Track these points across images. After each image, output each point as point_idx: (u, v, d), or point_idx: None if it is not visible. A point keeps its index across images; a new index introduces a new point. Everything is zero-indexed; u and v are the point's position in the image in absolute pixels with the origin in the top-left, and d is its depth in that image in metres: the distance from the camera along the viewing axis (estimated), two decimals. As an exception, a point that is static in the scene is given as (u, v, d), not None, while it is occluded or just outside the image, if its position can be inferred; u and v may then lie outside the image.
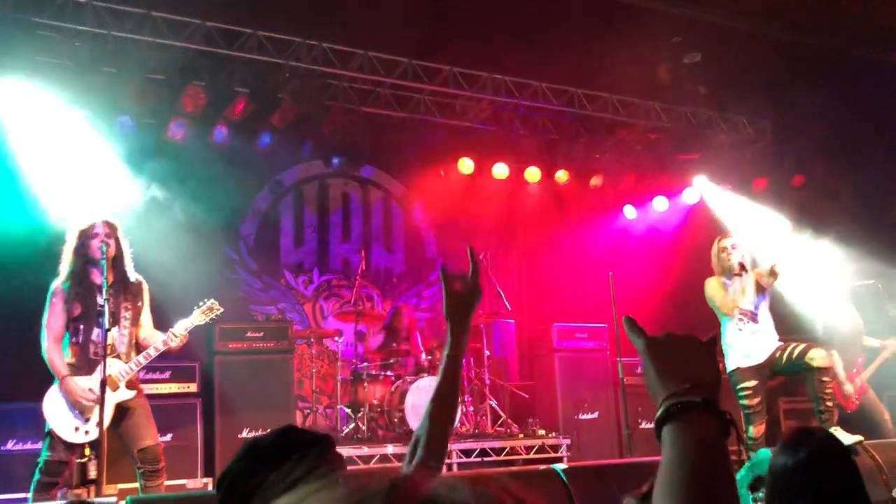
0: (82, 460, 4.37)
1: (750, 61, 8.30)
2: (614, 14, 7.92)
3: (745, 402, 5.59)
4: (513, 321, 9.28)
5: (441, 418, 1.88)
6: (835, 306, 6.93)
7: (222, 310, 4.98)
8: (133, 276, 4.87)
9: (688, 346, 1.14)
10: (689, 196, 10.07)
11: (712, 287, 5.93)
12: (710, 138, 9.77)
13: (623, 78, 8.94)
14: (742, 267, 5.75)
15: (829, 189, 9.15)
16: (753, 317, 5.69)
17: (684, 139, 9.72)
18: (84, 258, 4.67)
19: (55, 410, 4.51)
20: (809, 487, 1.82)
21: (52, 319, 4.59)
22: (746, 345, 5.70)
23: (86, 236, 4.68)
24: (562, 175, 9.60)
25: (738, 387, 5.64)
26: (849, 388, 6.69)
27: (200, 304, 4.93)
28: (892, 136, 8.65)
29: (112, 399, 4.54)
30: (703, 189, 10.01)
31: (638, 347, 1.17)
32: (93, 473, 4.49)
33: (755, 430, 5.53)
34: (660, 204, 10.21)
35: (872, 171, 8.71)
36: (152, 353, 4.70)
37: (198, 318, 4.85)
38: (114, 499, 3.50)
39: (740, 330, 5.69)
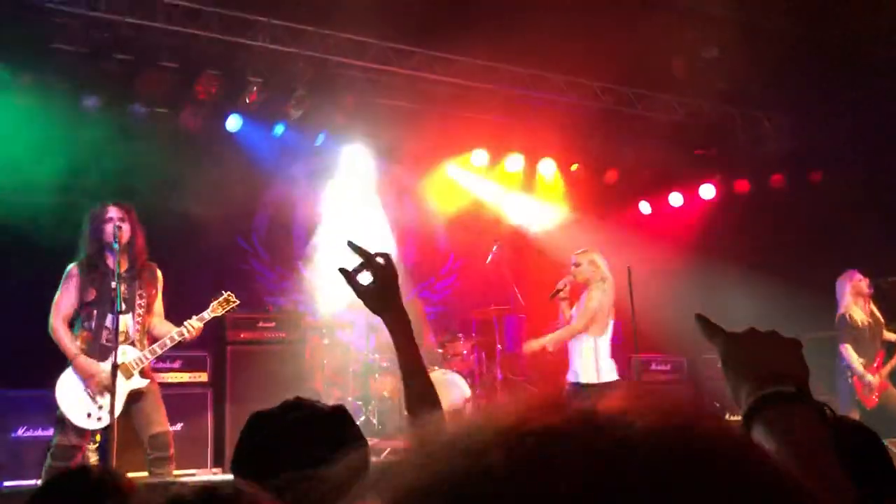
0: (95, 446, 4.34)
1: (768, 57, 8.19)
2: (632, 7, 7.84)
3: None
4: (525, 316, 9.20)
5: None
6: (850, 301, 6.81)
7: (238, 302, 4.96)
8: (147, 262, 4.84)
9: (773, 340, 1.12)
10: (705, 192, 9.97)
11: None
12: (727, 134, 9.67)
13: (640, 71, 8.86)
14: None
15: (846, 185, 9.03)
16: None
17: (701, 134, 9.61)
18: (98, 242, 4.63)
19: (68, 396, 4.48)
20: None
21: (64, 300, 4.56)
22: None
23: (99, 220, 4.64)
24: (576, 168, 9.51)
25: None
26: (870, 379, 6.58)
27: (217, 295, 4.90)
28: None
29: (125, 387, 4.51)
30: (719, 184, 9.91)
31: (716, 343, 1.13)
32: (94, 460, 4.47)
33: None
34: (675, 199, 10.12)
35: (892, 169, 8.60)
36: (168, 342, 4.68)
37: (214, 310, 4.83)
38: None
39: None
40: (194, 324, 4.72)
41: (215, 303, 4.87)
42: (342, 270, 1.86)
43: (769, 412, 1.01)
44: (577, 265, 5.81)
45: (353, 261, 1.86)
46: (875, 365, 6.67)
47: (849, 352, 6.65)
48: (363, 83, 8.33)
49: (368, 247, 1.89)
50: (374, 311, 1.83)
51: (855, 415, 6.62)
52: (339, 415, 1.53)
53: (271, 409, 1.53)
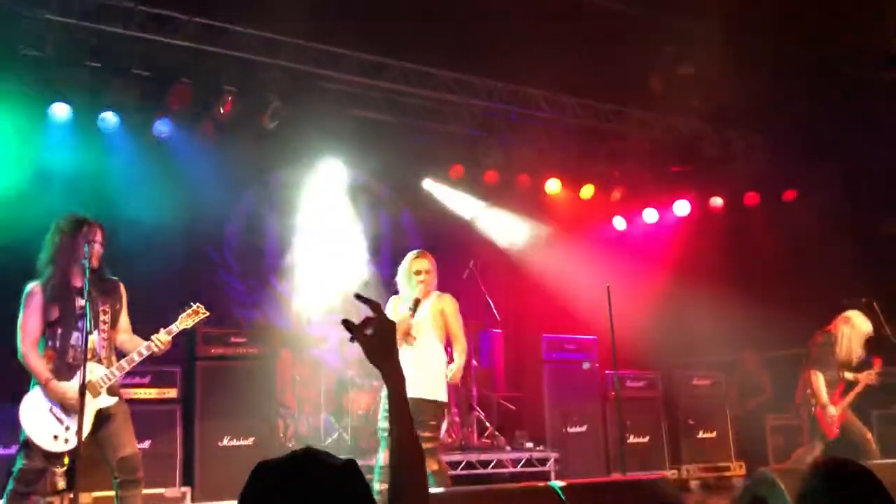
0: (62, 469, 4.17)
1: (743, 75, 8.25)
2: (608, 23, 7.87)
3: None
4: (501, 331, 9.15)
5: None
6: (833, 330, 6.81)
7: (208, 314, 4.80)
8: (110, 277, 4.67)
9: None
10: (680, 208, 10.01)
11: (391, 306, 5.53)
12: (701, 150, 9.72)
13: (616, 88, 8.89)
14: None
15: (820, 204, 9.11)
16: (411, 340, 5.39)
17: (676, 151, 9.66)
18: (69, 258, 4.45)
19: (33, 418, 4.29)
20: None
21: (29, 322, 4.37)
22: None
23: (79, 238, 4.45)
24: (553, 184, 9.49)
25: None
26: (832, 411, 6.62)
27: (186, 307, 4.74)
28: (887, 151, 8.63)
29: (93, 405, 4.34)
30: (693, 201, 9.95)
31: None
32: (61, 484, 4.30)
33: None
34: (650, 216, 10.15)
35: (865, 186, 8.69)
36: (136, 357, 4.51)
37: (183, 322, 4.67)
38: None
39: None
40: (162, 337, 4.56)
41: (184, 314, 4.70)
42: (345, 322, 1.88)
43: None
44: (429, 272, 5.41)
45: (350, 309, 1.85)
46: (835, 395, 6.70)
47: (818, 380, 6.66)
48: (338, 95, 8.24)
49: (363, 296, 1.95)
50: (375, 363, 1.86)
51: (818, 445, 6.66)
52: (351, 470, 1.45)
53: (279, 461, 1.45)
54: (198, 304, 4.75)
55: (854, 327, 6.73)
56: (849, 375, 6.81)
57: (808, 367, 6.77)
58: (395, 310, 5.37)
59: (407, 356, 5.06)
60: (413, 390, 4.84)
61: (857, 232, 8.71)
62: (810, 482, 1.90)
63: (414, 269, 5.36)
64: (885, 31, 8.22)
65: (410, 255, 5.48)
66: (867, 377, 6.76)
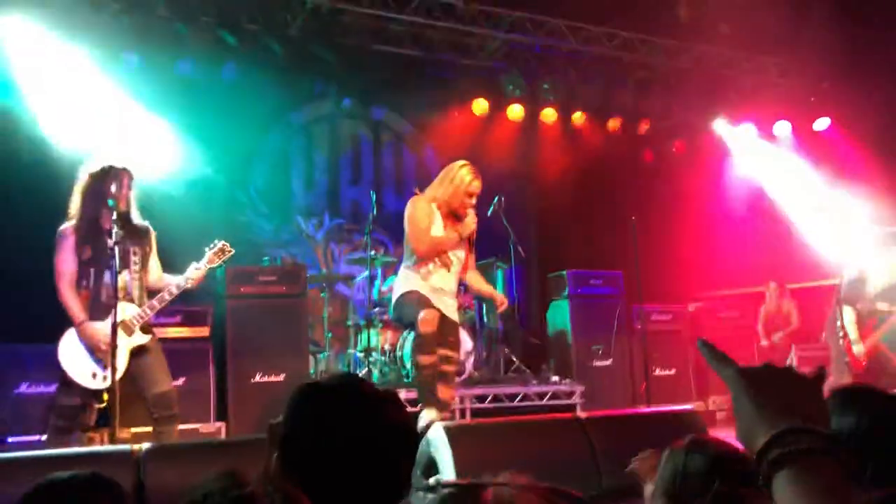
0: (102, 405, 4.31)
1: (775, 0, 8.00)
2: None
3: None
4: (526, 267, 9.16)
5: None
6: (863, 263, 6.72)
7: (234, 251, 4.87)
8: (140, 222, 4.75)
9: (791, 379, 1.02)
10: (709, 139, 9.84)
11: (422, 211, 4.83)
12: (731, 79, 9.51)
13: (643, 16, 8.67)
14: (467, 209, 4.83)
15: (852, 133, 8.92)
16: (449, 265, 4.88)
17: (705, 80, 9.45)
18: (99, 201, 4.53)
19: (71, 357, 4.44)
20: (879, 454, 1.70)
21: (64, 264, 4.48)
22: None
23: (104, 180, 4.52)
24: (579, 117, 9.36)
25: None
26: (860, 347, 6.57)
27: (212, 245, 4.81)
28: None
29: (127, 344, 4.47)
30: (723, 132, 9.78)
31: (726, 376, 1.05)
32: (100, 420, 4.45)
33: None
34: (679, 147, 10.00)
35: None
36: (167, 297, 4.62)
37: (210, 260, 4.74)
38: (128, 446, 3.43)
39: (429, 273, 4.83)
40: (191, 274, 4.65)
41: (210, 252, 4.78)
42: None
43: (792, 467, 0.93)
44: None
45: None
46: (866, 329, 6.63)
47: (848, 314, 6.60)
48: (359, 29, 8.13)
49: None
50: None
51: (846, 377, 6.63)
52: (394, 397, 1.49)
53: (325, 383, 1.48)
54: (223, 241, 4.81)
55: (883, 259, 6.63)
56: (883, 306, 6.71)
57: (840, 301, 6.71)
58: (430, 219, 4.80)
59: (449, 280, 4.86)
60: (452, 313, 4.86)
61: (893, 161, 8.52)
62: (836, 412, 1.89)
63: (469, 191, 4.79)
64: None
65: (465, 170, 4.83)
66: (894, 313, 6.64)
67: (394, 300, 4.89)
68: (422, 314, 4.52)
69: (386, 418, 1.45)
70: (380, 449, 1.41)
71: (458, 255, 4.89)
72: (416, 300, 4.68)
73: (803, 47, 9.02)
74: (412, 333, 7.17)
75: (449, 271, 4.85)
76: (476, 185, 4.82)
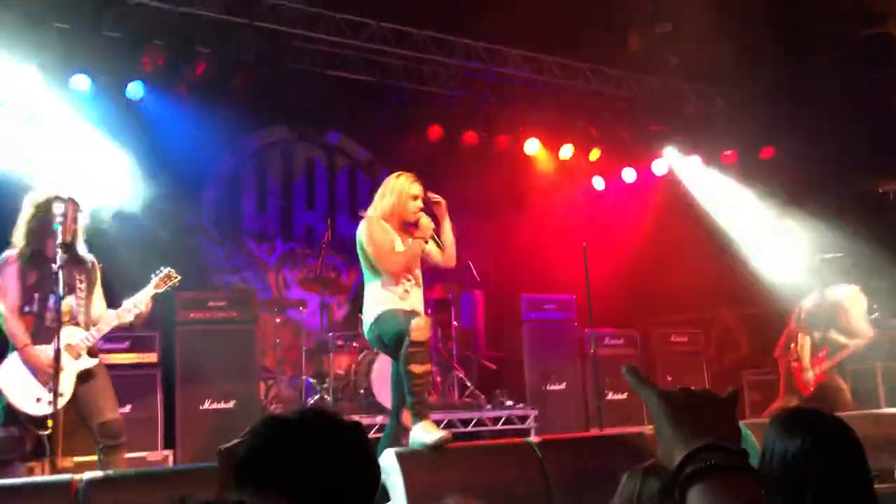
0: (46, 432, 4.19)
1: (721, 32, 8.23)
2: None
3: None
4: (481, 292, 9.19)
5: None
6: (820, 292, 6.87)
7: (180, 278, 4.80)
8: (85, 255, 4.69)
9: (707, 400, 1.10)
10: (658, 167, 10.03)
11: (379, 232, 4.66)
12: (680, 109, 9.73)
13: (594, 47, 8.85)
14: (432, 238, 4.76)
15: (797, 161, 9.17)
16: (419, 282, 4.79)
17: (655, 110, 9.65)
18: (42, 232, 4.46)
19: (12, 382, 4.31)
20: (823, 477, 1.74)
21: (6, 290, 4.39)
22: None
23: (47, 210, 4.45)
24: (532, 144, 9.48)
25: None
26: (810, 375, 6.71)
27: (157, 272, 4.75)
28: (861, 109, 8.68)
29: (74, 367, 4.37)
30: (672, 160, 9.97)
31: (647, 398, 1.12)
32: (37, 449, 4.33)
33: None
34: (629, 175, 10.17)
35: (841, 143, 8.74)
36: (114, 321, 4.53)
37: (156, 287, 4.67)
38: (68, 476, 3.34)
39: (407, 292, 4.67)
40: (137, 303, 4.57)
41: (156, 279, 4.72)
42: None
43: (705, 481, 0.99)
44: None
45: None
46: (817, 360, 6.77)
47: (805, 342, 6.74)
48: (315, 55, 8.15)
49: None
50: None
51: (794, 399, 6.76)
52: (359, 430, 1.47)
53: (290, 415, 1.46)
54: (169, 269, 4.75)
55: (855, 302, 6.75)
56: (840, 338, 6.83)
57: (798, 326, 6.84)
58: (390, 236, 4.66)
59: (420, 297, 4.76)
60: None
61: (833, 190, 8.78)
62: (770, 429, 1.94)
63: (413, 192, 4.70)
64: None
65: (402, 178, 4.77)
66: (858, 344, 6.75)
67: (368, 322, 4.67)
68: (414, 322, 4.35)
69: (351, 454, 1.44)
70: (344, 487, 1.40)
71: (419, 272, 4.80)
72: (399, 313, 4.53)
73: (748, 78, 9.29)
74: (366, 360, 7.14)
75: (419, 286, 4.78)
76: (417, 188, 4.76)
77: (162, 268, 4.76)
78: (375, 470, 1.50)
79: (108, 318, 4.56)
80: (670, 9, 8.53)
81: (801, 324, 6.83)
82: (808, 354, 6.70)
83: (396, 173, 4.84)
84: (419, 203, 4.73)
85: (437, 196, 4.82)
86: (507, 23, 8.04)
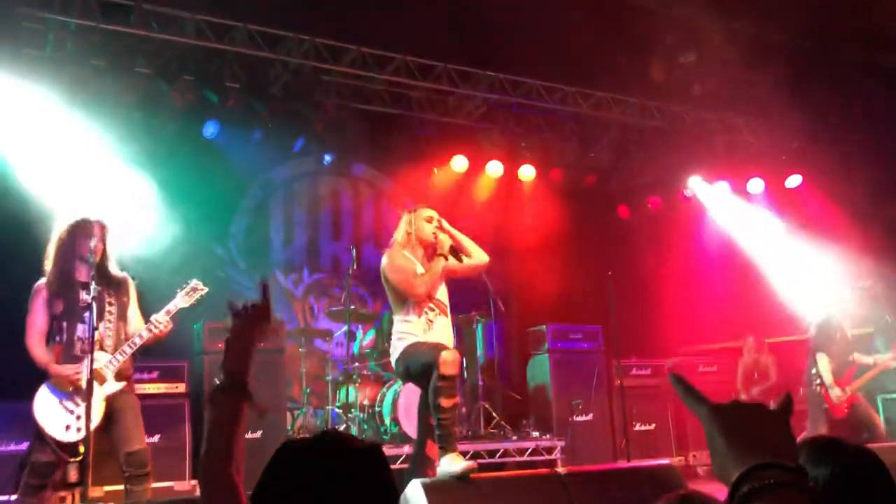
0: (76, 459, 4.24)
1: (746, 62, 8.25)
2: (611, 12, 7.86)
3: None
4: (506, 322, 9.18)
5: None
6: (830, 311, 6.85)
7: (207, 289, 4.81)
8: (118, 273, 4.75)
9: (760, 414, 1.08)
10: (684, 196, 10.02)
11: (401, 259, 4.74)
12: (705, 138, 9.72)
13: (618, 76, 8.89)
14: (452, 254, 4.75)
15: (823, 188, 9.12)
16: (446, 310, 4.78)
17: (680, 139, 9.65)
18: (72, 255, 4.54)
19: (45, 410, 4.38)
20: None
21: (35, 317, 4.49)
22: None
23: (76, 234, 4.55)
24: (556, 174, 9.51)
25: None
26: (837, 392, 6.62)
27: (184, 284, 4.77)
28: (887, 136, 8.63)
29: (101, 392, 4.42)
30: (698, 189, 9.95)
31: (699, 413, 1.10)
32: (74, 477, 4.36)
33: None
34: (655, 204, 10.16)
35: (867, 172, 8.69)
36: (137, 340, 4.58)
37: (182, 300, 4.70)
38: (100, 504, 3.38)
39: (430, 322, 4.68)
40: (160, 318, 4.61)
41: (182, 292, 4.73)
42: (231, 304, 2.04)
43: (762, 501, 0.98)
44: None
45: None
46: (843, 379, 6.70)
47: (823, 361, 6.68)
48: (341, 88, 8.28)
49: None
50: (231, 354, 1.97)
51: (825, 423, 6.66)
52: (376, 452, 1.47)
53: (305, 440, 1.47)
54: (195, 280, 4.78)
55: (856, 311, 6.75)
56: (867, 359, 6.78)
57: (813, 348, 6.79)
58: (412, 262, 4.72)
59: (448, 328, 4.78)
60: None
61: (861, 217, 8.71)
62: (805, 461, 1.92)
63: (425, 216, 4.81)
64: (887, 17, 8.21)
65: (414, 211, 4.89)
66: (886, 361, 6.70)
67: (395, 356, 4.71)
68: (443, 355, 4.35)
69: (368, 476, 1.45)
70: None
71: (445, 300, 4.83)
72: (427, 346, 4.54)
73: (773, 107, 9.27)
74: (392, 390, 7.15)
75: (447, 316, 4.80)
76: (427, 211, 4.87)
77: (188, 280, 4.79)
78: (392, 493, 1.50)
79: (133, 339, 4.59)
80: (693, 39, 8.56)
81: (815, 344, 6.77)
82: (830, 372, 6.62)
83: (407, 209, 4.99)
84: (434, 225, 4.82)
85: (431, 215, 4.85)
86: (530, 54, 8.12)
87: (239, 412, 1.86)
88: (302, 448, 1.45)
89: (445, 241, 4.77)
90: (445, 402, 4.34)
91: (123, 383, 4.55)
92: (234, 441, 1.82)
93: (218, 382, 1.89)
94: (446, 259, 4.73)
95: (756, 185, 9.87)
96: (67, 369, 4.38)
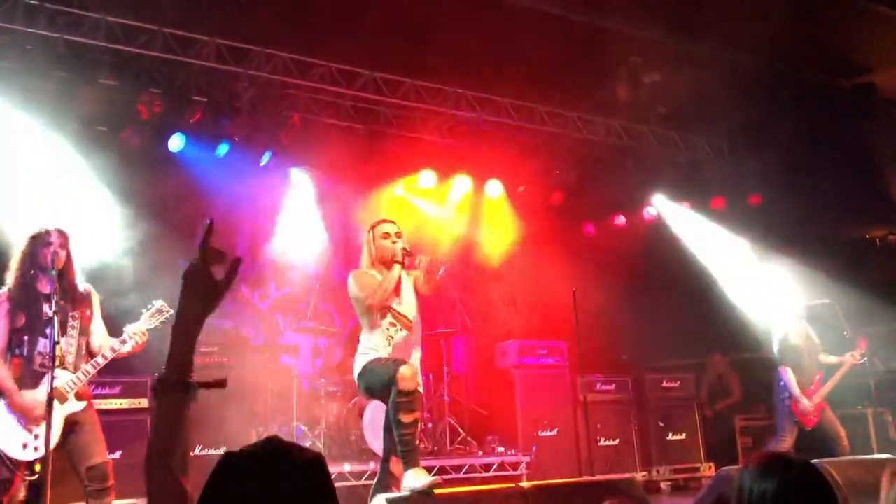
0: (33, 478, 4.15)
1: (708, 82, 8.40)
2: (576, 33, 7.98)
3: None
4: (472, 337, 9.21)
5: None
6: (789, 324, 7.00)
7: (171, 311, 4.77)
8: (82, 285, 4.69)
9: None
10: (647, 214, 10.15)
11: (365, 277, 4.76)
12: (668, 157, 9.87)
13: (584, 96, 9.01)
14: (408, 256, 4.75)
15: (784, 208, 9.29)
16: (409, 325, 4.77)
17: (644, 158, 9.80)
18: (32, 266, 4.47)
19: (1, 427, 4.29)
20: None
21: None
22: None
23: (37, 244, 4.48)
24: (522, 190, 9.59)
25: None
26: (806, 403, 6.74)
27: (149, 306, 4.73)
28: (847, 157, 8.84)
29: (61, 412, 4.34)
30: (661, 207, 10.10)
31: None
32: (22, 496, 4.28)
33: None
34: (619, 221, 10.28)
35: (827, 191, 8.87)
36: (101, 361, 4.50)
37: (147, 321, 4.65)
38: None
39: (391, 338, 4.68)
40: (128, 338, 4.55)
41: (147, 313, 4.69)
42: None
43: None
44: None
45: None
46: (812, 388, 6.82)
47: (788, 374, 6.81)
48: (308, 103, 8.28)
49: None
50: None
51: (793, 434, 6.77)
52: (317, 464, 1.47)
53: (245, 452, 1.46)
54: (161, 302, 4.73)
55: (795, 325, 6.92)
56: (831, 359, 6.92)
57: (778, 364, 6.92)
58: (374, 278, 4.72)
59: (410, 343, 4.73)
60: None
61: (822, 236, 8.89)
62: (742, 475, 1.97)
63: (382, 231, 4.84)
64: (848, 40, 8.44)
65: (375, 225, 4.92)
66: (851, 359, 6.83)
67: (357, 372, 4.70)
68: (401, 370, 4.35)
69: (310, 486, 1.45)
70: None
71: (411, 315, 4.81)
72: (386, 361, 4.54)
73: (736, 128, 9.46)
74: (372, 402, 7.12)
75: (411, 332, 4.76)
76: (385, 226, 4.88)
77: (154, 301, 4.75)
78: (334, 502, 1.50)
79: (96, 359, 4.52)
80: (658, 60, 8.70)
81: (779, 359, 6.91)
82: (796, 384, 6.74)
83: (368, 227, 4.98)
84: (393, 238, 4.81)
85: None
86: (498, 73, 8.21)
87: (183, 404, 1.85)
88: (242, 460, 1.45)
89: (398, 248, 4.77)
90: (405, 418, 4.35)
91: (84, 403, 4.48)
92: (177, 432, 1.81)
93: (163, 372, 1.88)
94: (402, 264, 4.73)
95: (718, 203, 10.03)
96: (27, 405, 4.28)
